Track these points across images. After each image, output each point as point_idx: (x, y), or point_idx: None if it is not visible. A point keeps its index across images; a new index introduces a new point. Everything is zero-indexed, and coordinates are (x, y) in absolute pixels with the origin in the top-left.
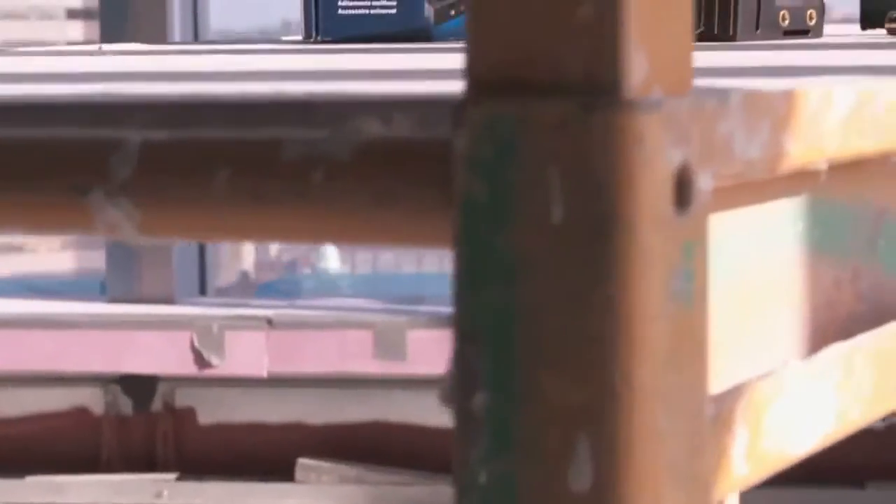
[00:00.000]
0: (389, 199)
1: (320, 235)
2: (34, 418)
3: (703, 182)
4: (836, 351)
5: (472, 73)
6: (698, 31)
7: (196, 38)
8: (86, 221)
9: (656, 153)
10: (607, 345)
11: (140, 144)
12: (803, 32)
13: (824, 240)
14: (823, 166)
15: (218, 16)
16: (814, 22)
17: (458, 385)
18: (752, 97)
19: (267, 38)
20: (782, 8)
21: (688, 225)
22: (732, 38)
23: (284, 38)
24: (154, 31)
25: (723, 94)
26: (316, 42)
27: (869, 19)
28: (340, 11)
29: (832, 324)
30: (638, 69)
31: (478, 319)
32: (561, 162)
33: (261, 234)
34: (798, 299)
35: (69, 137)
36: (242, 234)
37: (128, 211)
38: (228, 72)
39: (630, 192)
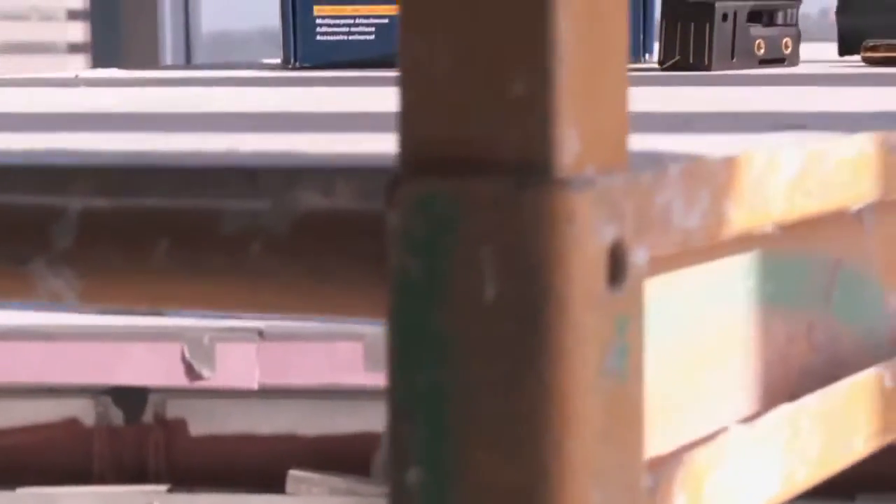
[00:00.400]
0: (325, 274)
1: (258, 307)
2: (25, 430)
3: (638, 256)
4: (782, 413)
5: (404, 150)
6: (673, 59)
7: (188, 40)
8: (27, 290)
9: (588, 231)
10: (540, 422)
11: (80, 213)
12: (779, 61)
13: (777, 294)
14: (769, 229)
15: (218, 17)
16: (790, 50)
17: (393, 460)
18: (690, 167)
19: (265, 39)
20: (758, 37)
21: (622, 300)
22: (708, 67)
23: (265, 62)
24: (145, 33)
25: (660, 165)
26: (294, 68)
27: (846, 45)
28: (319, 38)
29: (786, 377)
30: (570, 147)
31: (411, 396)
32: (493, 240)
33: (200, 304)
34: (750, 355)
35: (10, 204)
36: (182, 303)
37: (69, 280)
38: (188, 114)
39: (562, 270)
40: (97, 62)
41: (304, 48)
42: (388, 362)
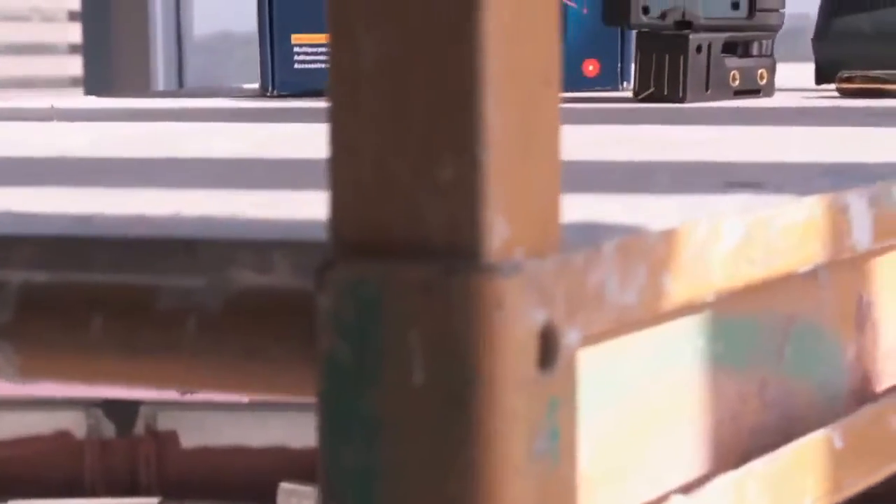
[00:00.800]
0: (258, 353)
1: (192, 384)
2: (16, 442)
3: (570, 338)
4: (727, 479)
5: (335, 232)
6: (648, 91)
7: (179, 41)
8: None
9: (517, 316)
10: None
11: (20, 287)
12: (754, 92)
13: (727, 353)
14: (711, 298)
15: (216, 18)
16: (765, 81)
17: None
18: (626, 243)
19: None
20: (732, 68)
21: (553, 382)
22: (682, 99)
23: (245, 87)
24: (136, 36)
25: (593, 245)
26: (272, 96)
27: (823, 74)
28: (297, 66)
29: (738, 435)
30: (498, 232)
31: (341, 478)
32: (422, 325)
33: (135, 380)
34: (700, 415)
35: None
36: (118, 380)
37: (8, 355)
38: (148, 161)
39: (490, 354)
40: (88, 64)
41: (282, 76)
42: (319, 442)
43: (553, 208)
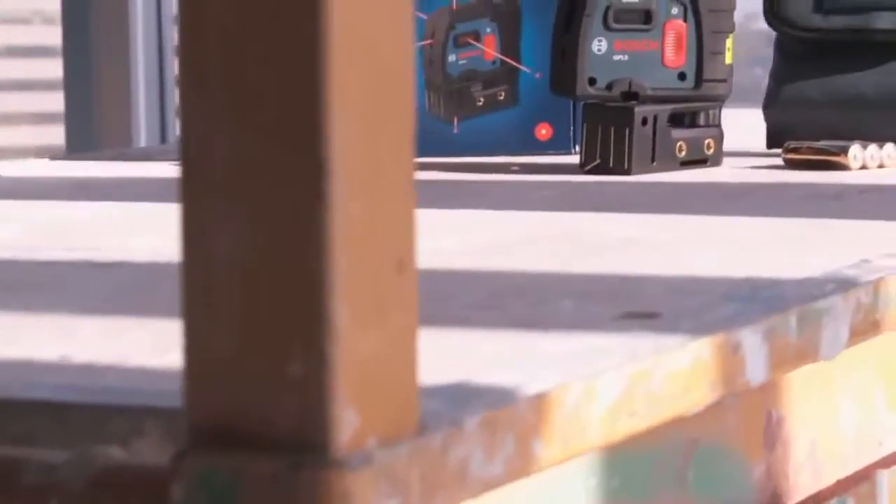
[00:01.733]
0: None
1: None
2: None
3: None
4: None
5: (189, 421)
6: (594, 163)
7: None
8: None
9: None
10: None
11: None
12: (701, 162)
13: (623, 487)
14: (589, 453)
15: None
16: (712, 151)
17: None
18: (491, 418)
19: None
20: (679, 139)
21: None
22: (627, 171)
23: None
24: (117, 35)
25: (455, 422)
26: None
27: (773, 139)
28: None
29: None
30: (348, 425)
31: None
32: None
33: None
34: None
35: None
36: None
37: None
38: (66, 265)
39: None
40: (69, 67)
41: None
42: None
43: (409, 392)
